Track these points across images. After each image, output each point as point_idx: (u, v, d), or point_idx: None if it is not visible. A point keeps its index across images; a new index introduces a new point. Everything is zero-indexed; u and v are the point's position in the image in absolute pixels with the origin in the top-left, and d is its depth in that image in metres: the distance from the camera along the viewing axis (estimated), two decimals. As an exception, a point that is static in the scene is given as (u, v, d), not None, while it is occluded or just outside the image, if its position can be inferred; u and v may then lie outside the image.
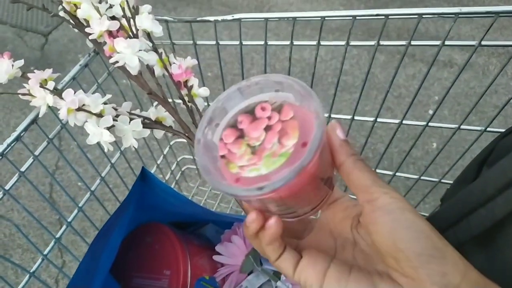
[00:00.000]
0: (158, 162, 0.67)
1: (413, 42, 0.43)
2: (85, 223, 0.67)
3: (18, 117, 1.28)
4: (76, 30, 0.47)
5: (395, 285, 0.22)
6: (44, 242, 1.02)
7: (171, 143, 0.71)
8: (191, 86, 0.47)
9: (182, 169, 0.76)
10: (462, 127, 0.49)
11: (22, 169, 0.45)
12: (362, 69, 1.22)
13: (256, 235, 0.25)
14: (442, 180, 0.58)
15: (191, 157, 0.74)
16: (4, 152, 0.42)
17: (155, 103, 0.48)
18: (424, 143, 1.05)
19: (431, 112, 0.54)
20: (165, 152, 0.69)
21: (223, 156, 0.22)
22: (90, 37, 0.43)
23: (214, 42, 0.51)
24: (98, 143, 0.46)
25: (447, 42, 0.42)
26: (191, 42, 0.52)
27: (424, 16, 0.40)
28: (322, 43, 0.46)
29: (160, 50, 0.47)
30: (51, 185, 1.08)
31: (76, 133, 0.50)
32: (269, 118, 0.22)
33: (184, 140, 0.75)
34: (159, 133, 0.46)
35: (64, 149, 1.16)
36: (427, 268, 0.21)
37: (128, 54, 0.41)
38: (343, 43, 0.46)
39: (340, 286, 0.23)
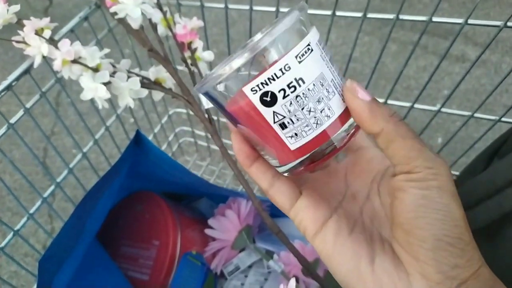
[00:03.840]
0: (156, 130, 0.64)
1: (434, 19, 0.40)
2: (77, 191, 0.65)
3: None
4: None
5: (395, 261, 0.21)
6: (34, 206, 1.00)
7: (170, 112, 0.69)
8: (195, 49, 0.45)
9: (180, 141, 0.74)
10: (475, 115, 0.46)
11: (12, 121, 0.42)
12: (372, 57, 1.19)
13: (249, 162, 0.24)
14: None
15: (190, 129, 0.72)
16: (-7, 101, 0.40)
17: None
18: (429, 137, 1.02)
19: (439, 106, 0.52)
20: (163, 122, 0.66)
21: None
22: (91, -15, 0.41)
23: (222, 6, 0.48)
24: (95, 106, 0.44)
25: (470, 21, 0.39)
26: (198, 3, 0.49)
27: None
28: (338, 13, 0.44)
29: (165, 9, 0.44)
30: (45, 150, 1.05)
31: (74, 99, 0.47)
32: None
33: (184, 111, 0.72)
34: (157, 95, 0.44)
35: (61, 115, 1.13)
36: (439, 254, 0.19)
37: (130, 5, 0.38)
38: (359, 14, 0.43)
39: (336, 242, 0.22)
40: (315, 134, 0.20)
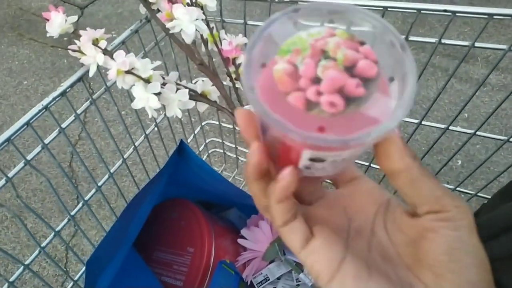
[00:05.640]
0: (189, 140, 0.66)
1: (477, 44, 0.42)
2: (99, 195, 0.67)
3: (46, 85, 1.29)
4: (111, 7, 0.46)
5: None
6: (59, 209, 1.02)
7: (203, 123, 0.71)
8: (239, 64, 0.47)
9: (209, 151, 0.76)
10: None
11: (63, 125, 0.44)
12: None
13: (259, 177, 0.20)
14: (479, 194, 0.56)
15: (220, 140, 0.73)
16: (49, 106, 0.42)
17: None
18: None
19: (459, 127, 0.53)
20: (196, 132, 0.68)
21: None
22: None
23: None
24: (122, 115, 0.46)
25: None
26: (242, 21, 0.51)
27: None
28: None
29: (212, 25, 0.46)
30: (72, 154, 1.08)
31: (101, 107, 0.49)
32: None
33: (216, 123, 0.74)
34: (202, 107, 0.45)
35: (88, 121, 1.16)
36: None
37: (185, 21, 0.40)
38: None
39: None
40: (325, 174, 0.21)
